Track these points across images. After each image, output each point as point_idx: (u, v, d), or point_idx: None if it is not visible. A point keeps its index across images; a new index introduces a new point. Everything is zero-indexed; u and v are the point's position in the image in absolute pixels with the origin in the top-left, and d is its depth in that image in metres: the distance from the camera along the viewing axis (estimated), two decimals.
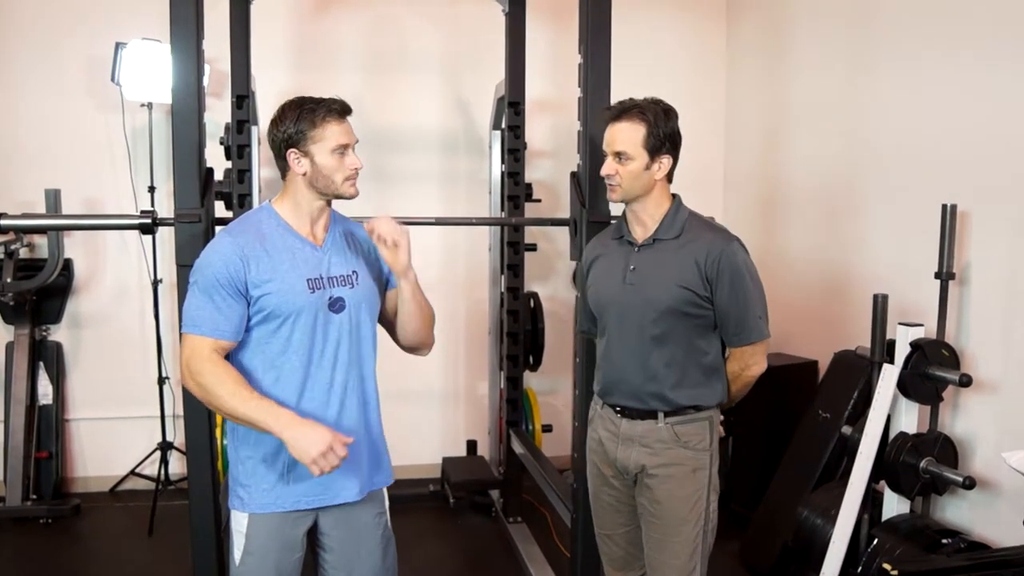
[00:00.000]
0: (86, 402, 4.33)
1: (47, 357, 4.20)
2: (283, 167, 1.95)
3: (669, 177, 2.18)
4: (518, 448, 3.90)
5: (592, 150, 2.62)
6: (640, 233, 2.20)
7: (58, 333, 4.28)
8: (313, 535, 2.05)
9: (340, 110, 1.92)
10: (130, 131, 4.14)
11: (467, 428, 4.69)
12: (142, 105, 4.03)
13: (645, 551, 2.23)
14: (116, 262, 4.30)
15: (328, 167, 1.90)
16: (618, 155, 2.11)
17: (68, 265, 4.17)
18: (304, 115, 1.89)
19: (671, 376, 2.14)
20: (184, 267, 2.33)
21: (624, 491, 2.27)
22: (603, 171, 2.15)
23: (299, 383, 1.92)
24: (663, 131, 2.09)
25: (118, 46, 3.86)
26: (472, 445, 4.56)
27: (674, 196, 2.21)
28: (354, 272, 2.00)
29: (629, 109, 2.11)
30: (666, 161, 2.13)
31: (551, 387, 4.75)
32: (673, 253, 2.14)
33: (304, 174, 1.91)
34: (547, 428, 4.32)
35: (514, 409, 4.13)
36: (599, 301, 2.26)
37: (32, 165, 4.13)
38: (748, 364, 2.18)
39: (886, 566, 2.46)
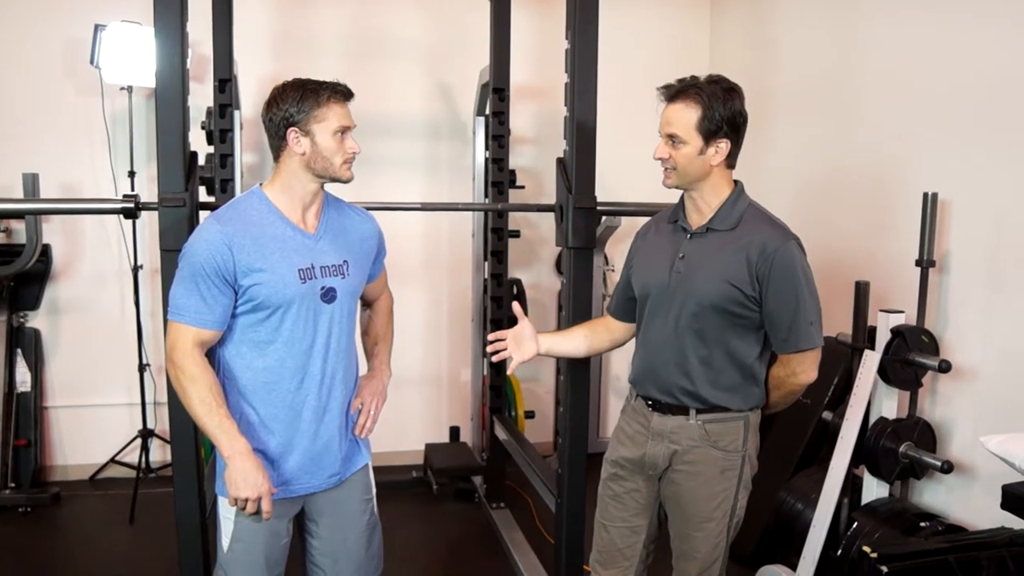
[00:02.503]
0: (65, 389, 4.29)
1: (25, 344, 4.15)
2: (278, 147, 1.91)
3: (731, 163, 2.04)
4: (501, 434, 3.91)
5: (579, 135, 2.62)
6: (695, 220, 2.07)
7: (36, 320, 4.22)
8: (300, 521, 2.06)
9: (344, 92, 1.92)
10: (109, 115, 4.09)
11: (450, 415, 4.70)
12: (122, 88, 3.98)
13: (672, 538, 2.19)
14: (95, 248, 4.25)
15: (328, 148, 1.89)
16: (671, 138, 1.99)
17: (46, 251, 4.11)
18: (308, 94, 1.87)
19: (706, 374, 2.04)
20: (168, 252, 2.31)
21: (640, 486, 2.19)
22: (656, 154, 2.02)
23: (288, 373, 1.92)
24: (720, 114, 1.95)
25: (97, 28, 3.80)
26: (455, 431, 4.57)
27: (736, 183, 2.08)
28: (345, 262, 1.99)
29: (685, 89, 1.97)
30: (723, 146, 1.98)
31: (534, 374, 4.76)
32: (725, 246, 2.01)
33: (303, 154, 1.89)
34: (530, 414, 4.34)
35: (497, 396, 4.14)
36: (643, 285, 2.14)
37: (9, 149, 4.07)
38: (795, 371, 2.05)
39: (866, 549, 2.50)
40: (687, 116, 1.97)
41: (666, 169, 2.03)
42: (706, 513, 2.10)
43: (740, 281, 1.98)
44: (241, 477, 1.82)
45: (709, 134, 1.97)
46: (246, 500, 1.83)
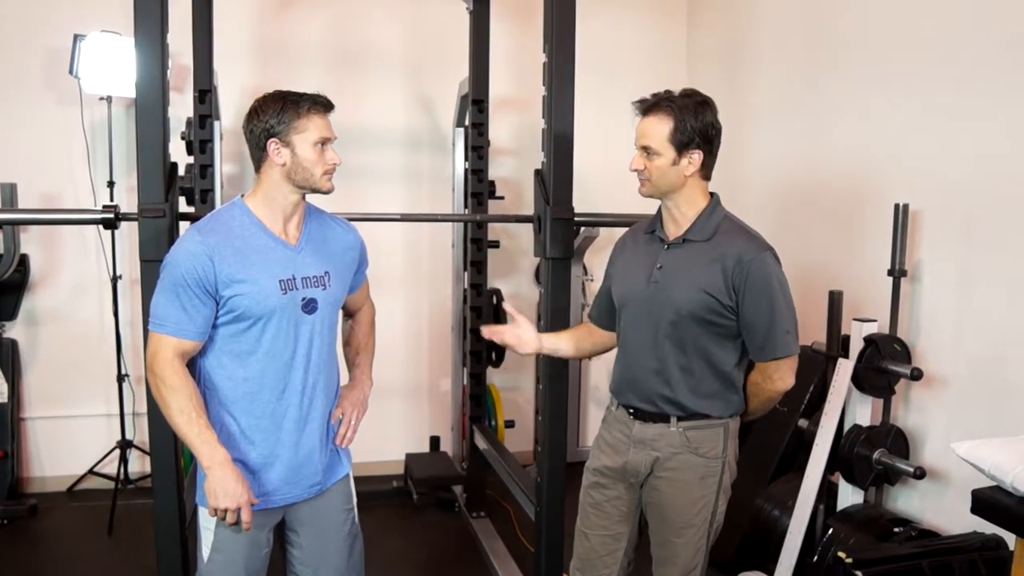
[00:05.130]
0: (43, 400, 4.25)
1: (2, 355, 4.11)
2: (260, 159, 1.93)
3: (706, 174, 2.10)
4: (481, 444, 3.92)
5: (556, 147, 2.65)
6: (672, 231, 2.12)
7: (13, 330, 4.19)
8: (281, 531, 2.07)
9: (325, 104, 1.93)
10: (89, 125, 4.08)
11: (430, 424, 4.71)
12: (101, 98, 3.97)
13: (652, 545, 2.21)
14: (74, 258, 4.23)
15: (309, 159, 1.90)
16: (645, 150, 2.05)
17: (24, 261, 4.09)
18: (288, 106, 1.89)
19: (686, 382, 2.08)
20: (148, 263, 2.32)
21: (622, 493, 2.21)
22: (631, 166, 2.09)
23: (269, 384, 1.93)
24: (692, 125, 2.01)
25: (76, 38, 3.80)
26: (435, 441, 4.57)
27: (712, 195, 2.13)
28: (326, 273, 2.00)
29: (658, 103, 2.04)
30: (696, 157, 2.04)
31: (513, 383, 4.78)
32: (702, 256, 2.06)
33: (283, 165, 1.90)
34: (510, 424, 4.36)
35: (477, 405, 4.16)
36: (622, 296, 2.19)
37: None
38: (772, 378, 2.10)
39: (841, 555, 2.54)
40: (660, 128, 2.03)
41: (641, 180, 2.10)
42: (687, 519, 2.12)
43: (717, 291, 2.02)
44: (220, 487, 1.82)
45: (681, 145, 2.02)
46: (225, 511, 1.83)
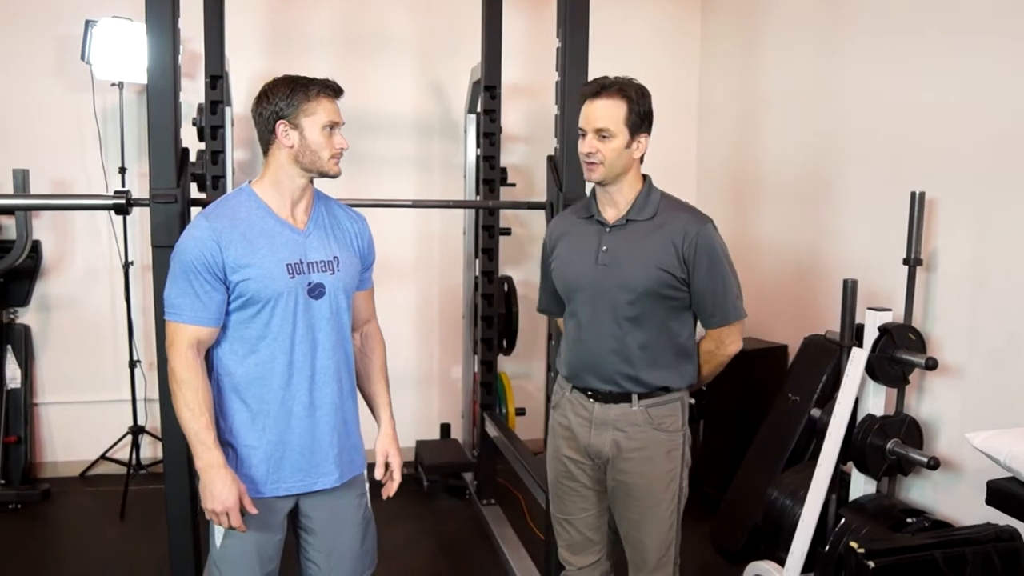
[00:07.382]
0: (55, 386, 4.28)
1: (15, 340, 4.14)
2: (268, 141, 1.93)
3: (642, 157, 2.15)
4: (492, 431, 3.92)
5: (569, 133, 2.63)
6: (612, 214, 2.16)
7: (26, 316, 4.21)
8: (295, 517, 2.07)
9: (335, 89, 1.94)
10: (100, 111, 4.08)
11: (441, 411, 4.71)
12: (113, 84, 3.98)
13: (622, 529, 2.25)
14: (86, 244, 4.25)
15: (317, 143, 1.90)
16: (599, 132, 2.06)
17: (36, 247, 4.10)
18: (298, 89, 1.89)
19: (646, 358, 2.12)
20: (160, 248, 2.32)
21: (591, 476, 2.25)
22: (584, 149, 2.09)
23: (279, 369, 1.92)
24: (643, 109, 2.07)
25: (88, 24, 3.80)
26: (446, 428, 4.58)
27: (645, 176, 2.19)
28: (335, 258, 1.99)
29: (610, 86, 2.07)
30: (644, 140, 2.10)
31: (524, 371, 4.77)
32: (649, 234, 2.11)
33: (291, 147, 1.90)
34: (520, 411, 4.35)
35: (488, 392, 4.15)
36: (568, 282, 2.22)
37: None
38: (725, 343, 2.17)
39: (853, 545, 2.52)
40: (615, 111, 2.06)
41: (592, 164, 2.10)
42: (657, 495, 2.18)
43: (670, 265, 2.09)
44: (209, 490, 1.84)
45: (635, 128, 2.08)
46: (215, 514, 1.85)
